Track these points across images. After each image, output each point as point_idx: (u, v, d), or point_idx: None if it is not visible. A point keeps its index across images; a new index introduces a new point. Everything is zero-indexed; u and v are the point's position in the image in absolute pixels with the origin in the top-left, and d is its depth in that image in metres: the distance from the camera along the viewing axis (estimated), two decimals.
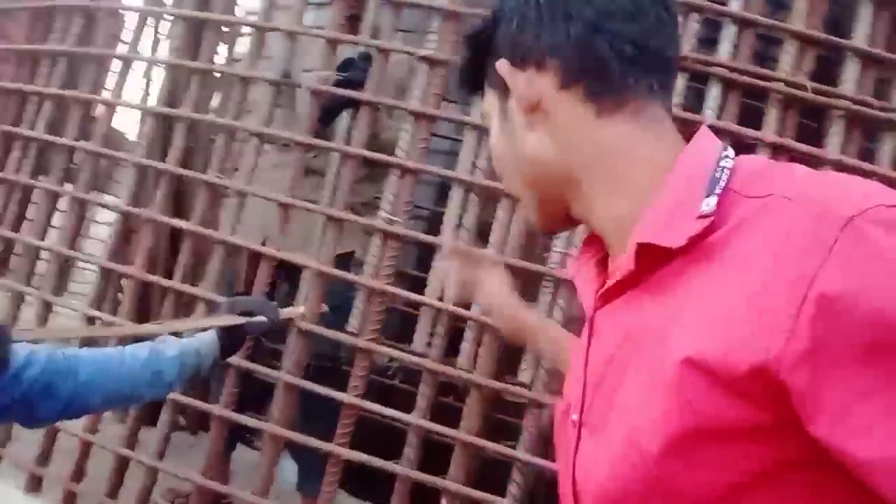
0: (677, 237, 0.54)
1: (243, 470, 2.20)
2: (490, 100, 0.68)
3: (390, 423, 1.76)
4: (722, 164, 0.56)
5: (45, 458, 1.96)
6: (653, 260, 0.56)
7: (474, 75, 0.70)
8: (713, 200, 0.54)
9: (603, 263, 0.67)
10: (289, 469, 2.19)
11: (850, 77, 1.64)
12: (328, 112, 2.04)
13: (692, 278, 0.53)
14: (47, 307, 2.04)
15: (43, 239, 2.15)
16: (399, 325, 2.26)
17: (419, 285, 1.82)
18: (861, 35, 1.65)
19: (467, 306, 1.65)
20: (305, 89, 1.87)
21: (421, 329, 1.71)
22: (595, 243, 0.69)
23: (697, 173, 0.56)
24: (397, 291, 1.74)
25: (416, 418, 1.68)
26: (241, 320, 1.40)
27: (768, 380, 0.47)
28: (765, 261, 0.49)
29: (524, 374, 1.65)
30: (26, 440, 1.96)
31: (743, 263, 0.51)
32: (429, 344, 1.70)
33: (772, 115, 1.62)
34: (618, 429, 0.56)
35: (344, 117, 2.03)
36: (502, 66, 0.63)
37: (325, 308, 1.83)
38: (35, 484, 1.95)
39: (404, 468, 1.67)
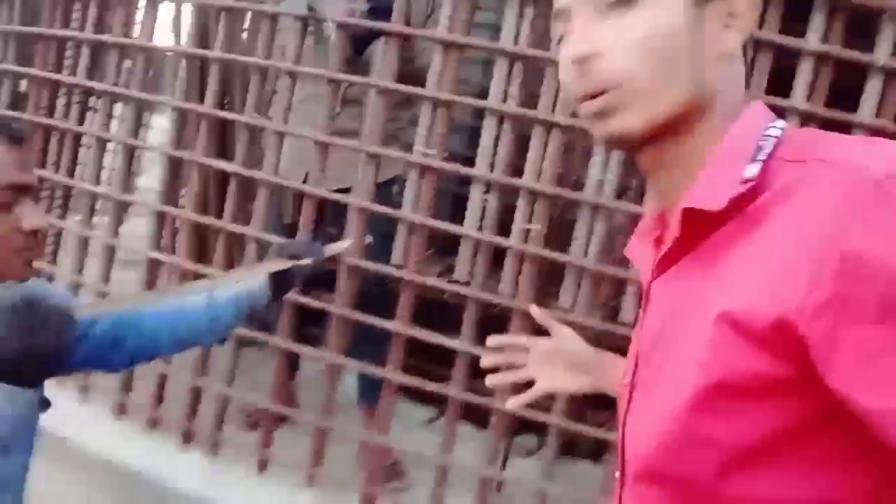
0: (718, 201, 0.56)
1: (311, 377, 2.33)
2: None
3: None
4: (768, 132, 0.58)
5: (128, 385, 2.14)
6: (700, 227, 0.58)
7: None
8: (756, 167, 0.56)
9: (660, 240, 0.69)
10: (350, 383, 2.33)
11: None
12: (361, 41, 2.03)
13: (737, 244, 0.56)
14: (111, 250, 2.16)
15: (97, 183, 2.25)
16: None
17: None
18: None
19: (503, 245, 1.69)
20: (332, 22, 1.85)
21: (462, 259, 1.76)
22: (656, 224, 0.70)
23: (744, 142, 0.58)
24: (438, 224, 1.78)
25: (463, 344, 1.77)
26: (288, 264, 1.47)
27: (789, 332, 0.51)
28: (796, 220, 0.52)
29: (564, 298, 1.71)
30: None
31: (779, 225, 0.53)
32: (470, 272, 1.76)
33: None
34: (665, 389, 0.60)
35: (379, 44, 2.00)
36: None
37: (369, 240, 1.89)
38: (121, 409, 2.14)
39: (455, 390, 1.78)
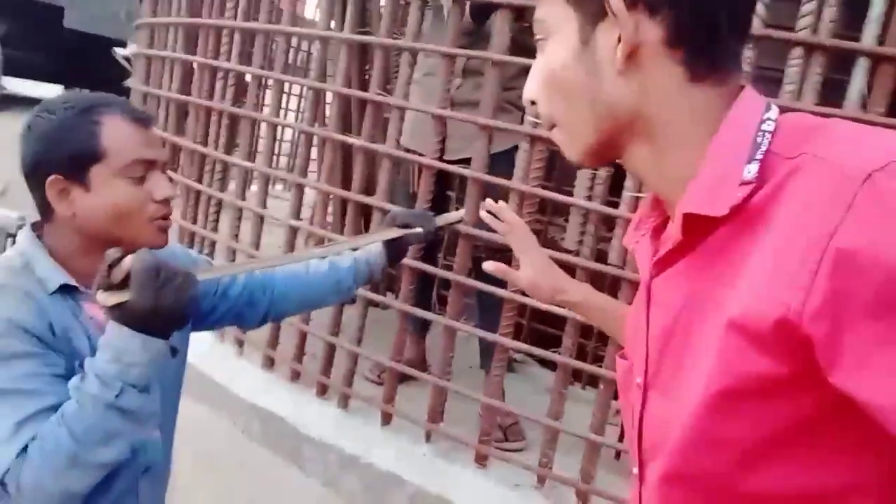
0: (720, 206, 0.56)
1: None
2: (559, 14, 0.62)
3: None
4: (764, 126, 0.57)
5: (274, 341, 2.38)
6: (701, 228, 0.59)
7: None
8: (754, 167, 0.55)
9: (658, 231, 0.69)
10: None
11: None
12: (481, 11, 2.07)
13: (737, 243, 0.56)
14: (261, 219, 2.40)
15: (251, 159, 2.49)
16: None
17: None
18: None
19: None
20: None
21: (571, 229, 1.78)
22: (653, 210, 0.70)
23: (739, 139, 0.57)
24: (546, 194, 1.80)
25: (571, 313, 1.79)
26: (400, 233, 1.56)
27: (791, 333, 0.51)
28: (791, 220, 0.52)
29: None
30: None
31: (775, 225, 0.53)
32: (580, 242, 1.78)
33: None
34: (681, 394, 0.62)
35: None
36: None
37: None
38: (269, 362, 2.38)
39: (563, 357, 1.81)
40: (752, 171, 0.55)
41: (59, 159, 0.99)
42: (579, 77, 0.61)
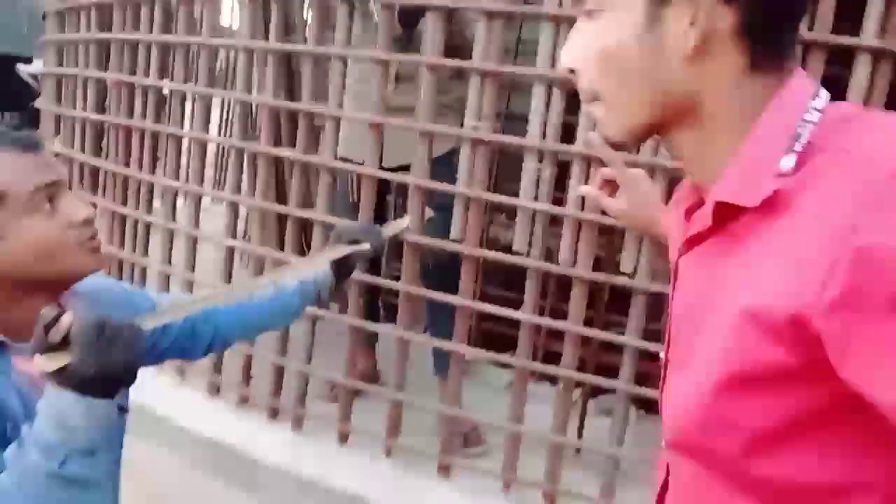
0: (753, 196, 0.56)
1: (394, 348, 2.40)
2: None
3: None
4: (807, 117, 0.56)
5: (219, 367, 2.28)
6: (731, 215, 0.58)
7: None
8: (791, 159, 0.55)
9: (692, 211, 0.68)
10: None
11: None
12: (410, 15, 2.02)
13: (762, 231, 0.56)
14: (194, 242, 2.29)
15: (178, 178, 2.37)
16: None
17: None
18: None
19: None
20: (376, 3, 1.86)
21: (520, 230, 1.76)
22: (688, 194, 0.70)
23: (780, 128, 0.56)
24: (492, 197, 1.78)
25: (526, 315, 1.77)
26: (348, 250, 1.51)
27: (804, 326, 0.51)
28: (815, 212, 0.52)
29: (625, 264, 1.68)
30: None
31: (799, 217, 0.53)
32: (529, 243, 1.76)
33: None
34: (690, 372, 0.62)
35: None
36: None
37: (430, 214, 1.90)
38: (214, 389, 2.28)
39: (521, 360, 1.79)
40: (788, 163, 0.54)
41: None
42: (640, 57, 0.59)
